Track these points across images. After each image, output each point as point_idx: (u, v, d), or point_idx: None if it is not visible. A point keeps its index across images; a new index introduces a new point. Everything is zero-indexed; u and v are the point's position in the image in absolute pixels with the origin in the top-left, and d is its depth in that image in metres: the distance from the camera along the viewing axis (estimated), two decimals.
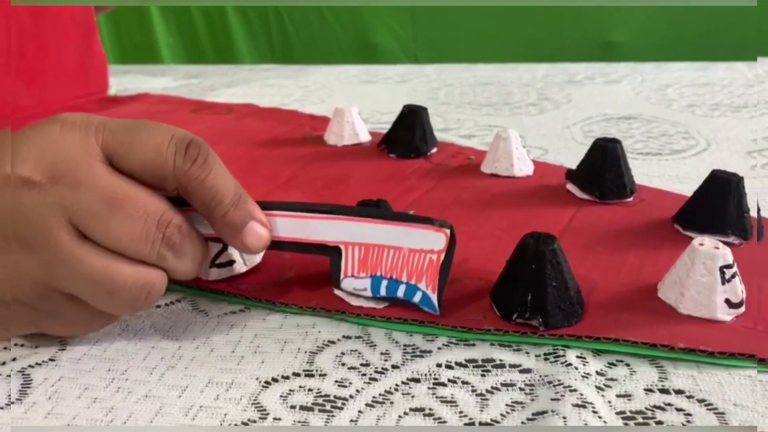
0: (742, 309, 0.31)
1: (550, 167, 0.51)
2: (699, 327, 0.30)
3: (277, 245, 0.32)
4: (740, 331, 0.30)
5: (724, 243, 0.33)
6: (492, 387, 0.28)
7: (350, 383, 0.29)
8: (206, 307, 0.35)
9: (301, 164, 0.53)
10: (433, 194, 0.47)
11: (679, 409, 0.27)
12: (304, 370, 0.29)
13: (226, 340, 0.32)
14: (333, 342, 0.31)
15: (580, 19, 1.34)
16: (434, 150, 0.55)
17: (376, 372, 0.29)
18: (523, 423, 0.26)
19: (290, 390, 0.28)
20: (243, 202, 0.30)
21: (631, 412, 0.26)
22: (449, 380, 0.29)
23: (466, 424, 0.26)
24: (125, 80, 0.88)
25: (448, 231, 0.30)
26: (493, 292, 0.33)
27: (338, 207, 0.32)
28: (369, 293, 0.32)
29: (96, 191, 0.27)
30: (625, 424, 0.26)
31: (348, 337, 0.32)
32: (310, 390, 0.28)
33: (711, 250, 0.31)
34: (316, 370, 0.29)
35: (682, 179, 0.49)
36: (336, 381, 0.29)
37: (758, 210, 0.40)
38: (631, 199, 0.44)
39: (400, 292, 0.32)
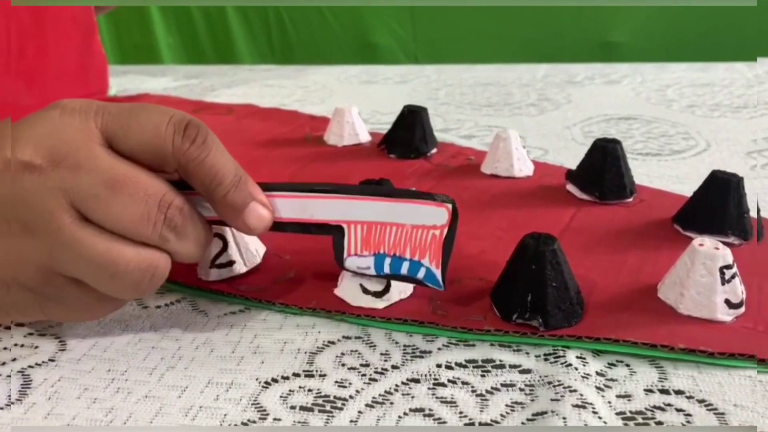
0: (742, 309, 0.31)
1: (550, 167, 0.51)
2: (699, 327, 0.30)
3: (279, 226, 0.32)
4: (740, 331, 0.30)
5: (724, 243, 0.33)
6: (492, 387, 0.28)
7: (350, 384, 0.29)
8: (206, 307, 0.35)
9: (301, 164, 0.53)
10: None
11: (679, 410, 0.27)
12: (303, 371, 0.29)
13: (226, 340, 0.32)
14: (333, 342, 0.31)
15: (580, 19, 1.33)
16: (434, 150, 0.55)
17: (376, 372, 0.29)
18: (523, 423, 0.26)
19: (290, 390, 0.28)
20: (244, 183, 0.30)
21: (631, 412, 0.26)
22: (449, 381, 0.29)
23: (466, 425, 0.26)
24: (125, 80, 0.88)
25: (450, 205, 0.30)
26: (493, 292, 0.33)
27: (339, 186, 0.32)
28: (372, 271, 0.32)
29: (96, 174, 0.27)
30: (625, 424, 0.26)
31: (348, 338, 0.32)
32: (309, 390, 0.28)
33: (711, 250, 0.31)
34: (316, 371, 0.29)
35: (682, 180, 0.49)
36: (336, 381, 0.29)
37: (758, 210, 0.40)
38: (631, 199, 0.44)
39: (404, 269, 0.31)
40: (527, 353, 0.30)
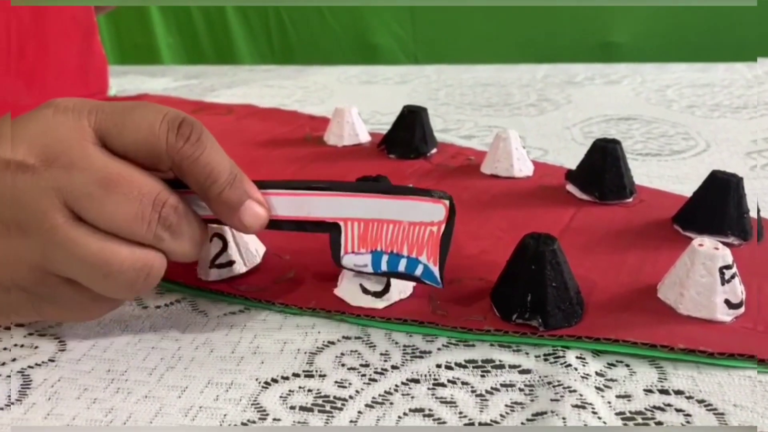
0: (742, 309, 0.31)
1: (549, 168, 0.51)
2: (699, 327, 0.30)
3: (275, 224, 0.31)
4: (740, 331, 0.30)
5: (724, 243, 0.33)
6: (492, 387, 0.28)
7: (350, 384, 0.29)
8: (206, 307, 0.35)
9: (301, 164, 0.53)
10: None
11: (678, 410, 0.27)
12: (303, 371, 0.29)
13: (225, 340, 0.32)
14: (333, 342, 0.31)
15: (580, 19, 1.33)
16: (434, 150, 0.55)
17: (375, 372, 0.29)
18: (522, 423, 0.26)
19: (290, 390, 0.28)
20: (239, 180, 0.30)
21: (630, 412, 0.26)
22: (449, 381, 0.29)
23: (465, 425, 0.26)
24: (125, 80, 0.88)
25: (447, 201, 0.30)
26: (493, 292, 0.33)
27: (336, 183, 0.32)
28: (370, 269, 0.32)
29: (90, 172, 0.27)
30: (625, 424, 0.26)
31: (348, 338, 0.32)
32: (309, 390, 0.28)
33: (711, 250, 0.31)
34: (316, 371, 0.29)
35: (682, 180, 0.49)
36: (336, 381, 0.29)
37: (758, 210, 0.40)
38: (630, 199, 0.44)
39: (402, 267, 0.31)
40: (527, 353, 0.30)
